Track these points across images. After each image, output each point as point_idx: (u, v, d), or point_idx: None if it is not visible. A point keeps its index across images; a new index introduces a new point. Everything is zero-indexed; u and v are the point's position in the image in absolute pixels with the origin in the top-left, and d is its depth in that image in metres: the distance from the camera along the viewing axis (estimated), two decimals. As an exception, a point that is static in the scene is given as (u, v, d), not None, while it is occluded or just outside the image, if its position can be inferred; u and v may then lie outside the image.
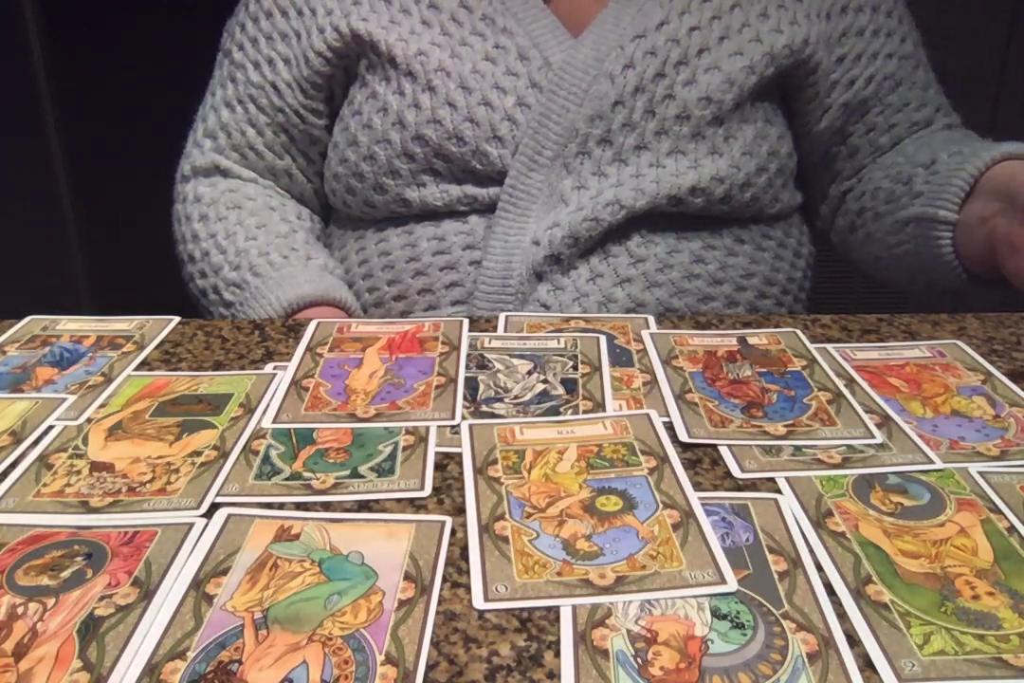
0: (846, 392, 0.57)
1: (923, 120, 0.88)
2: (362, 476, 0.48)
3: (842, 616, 0.39)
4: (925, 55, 0.90)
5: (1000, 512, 0.45)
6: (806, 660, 0.36)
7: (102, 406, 0.55)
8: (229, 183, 0.89)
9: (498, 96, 0.77)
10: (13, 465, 0.49)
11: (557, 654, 0.37)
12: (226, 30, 0.91)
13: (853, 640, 0.37)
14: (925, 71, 0.89)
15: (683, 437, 0.52)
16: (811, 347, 0.63)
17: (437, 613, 0.39)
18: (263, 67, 0.86)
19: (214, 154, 0.89)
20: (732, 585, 0.40)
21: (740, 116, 0.80)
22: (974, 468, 0.49)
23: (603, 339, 0.63)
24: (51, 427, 0.53)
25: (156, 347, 0.63)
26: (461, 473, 0.48)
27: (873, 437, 0.52)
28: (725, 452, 0.50)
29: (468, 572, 0.41)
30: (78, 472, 0.48)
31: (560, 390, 0.57)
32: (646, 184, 0.77)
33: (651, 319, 0.67)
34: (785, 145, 0.85)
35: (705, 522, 0.44)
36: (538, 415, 0.54)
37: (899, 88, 0.86)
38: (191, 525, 0.44)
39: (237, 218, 0.85)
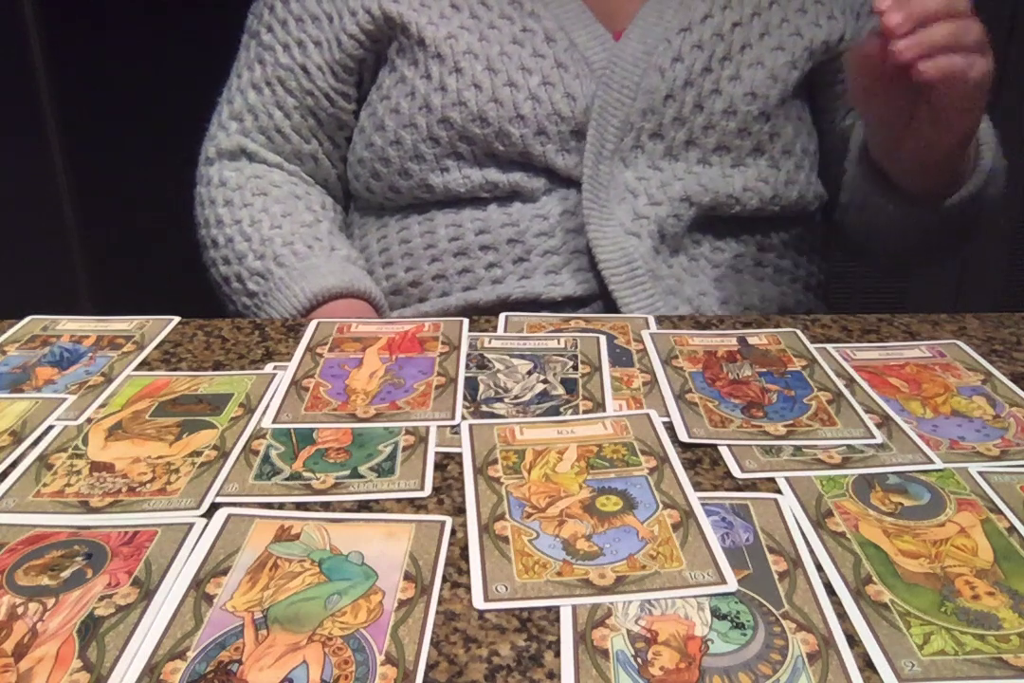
0: (846, 392, 0.57)
1: None
2: (362, 476, 0.48)
3: (842, 616, 0.39)
4: None
5: (1000, 512, 0.45)
6: (806, 660, 0.36)
7: (102, 406, 0.55)
8: (255, 168, 0.88)
9: (523, 77, 0.78)
10: (13, 465, 0.49)
11: (557, 654, 0.37)
12: (251, 12, 0.90)
13: (853, 640, 0.37)
14: None
15: (683, 437, 0.52)
16: (811, 347, 0.63)
17: (437, 613, 0.39)
18: (293, 49, 0.85)
19: (240, 137, 0.88)
20: (732, 585, 0.40)
21: (784, 113, 0.81)
22: (974, 468, 0.49)
23: (603, 339, 0.63)
24: (51, 427, 0.53)
25: (156, 347, 0.63)
26: (461, 473, 0.48)
27: (873, 437, 0.52)
28: (725, 452, 0.50)
29: (468, 572, 0.41)
30: (78, 472, 0.48)
31: (560, 390, 0.57)
32: (705, 180, 0.79)
33: (651, 319, 0.67)
34: (814, 142, 0.86)
35: (705, 522, 0.44)
36: (538, 415, 0.54)
37: None
38: (191, 525, 0.44)
39: (263, 205, 0.84)
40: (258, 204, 0.84)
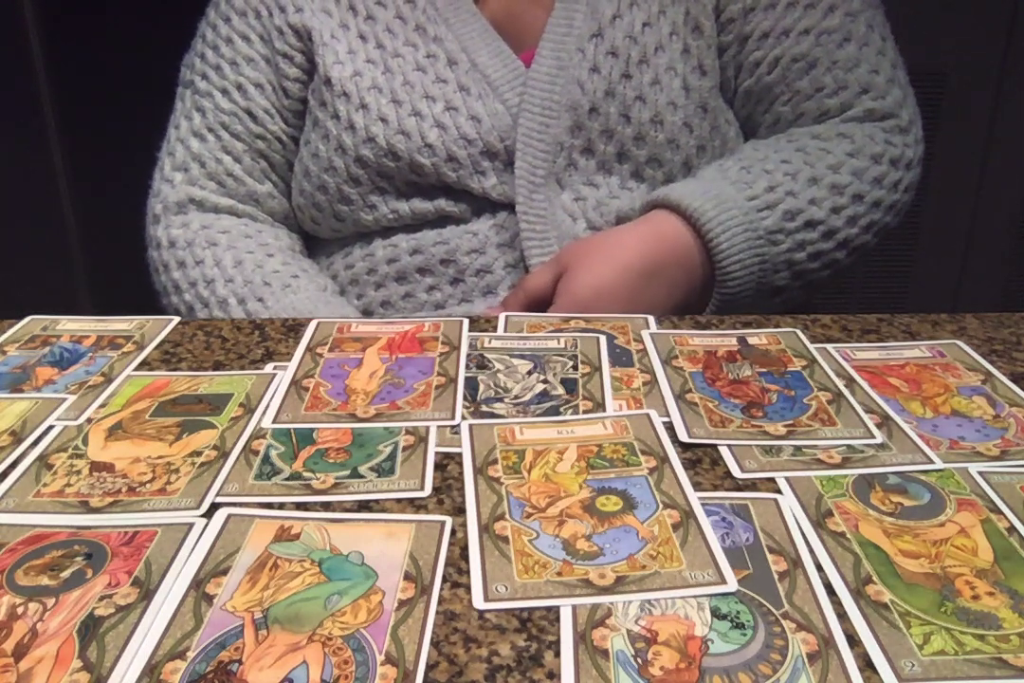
0: (846, 392, 0.57)
1: (837, 106, 0.80)
2: (362, 476, 0.48)
3: (842, 616, 0.39)
4: (869, 25, 0.80)
5: (1000, 512, 0.45)
6: (806, 660, 0.36)
7: (102, 406, 0.55)
8: (203, 218, 0.86)
9: (427, 105, 0.78)
10: (13, 465, 0.49)
11: (557, 654, 0.37)
12: (184, 64, 0.90)
13: (853, 640, 0.37)
14: (859, 46, 0.79)
15: (683, 437, 0.52)
16: (811, 347, 0.63)
17: (437, 613, 0.39)
18: (233, 94, 0.85)
19: (186, 186, 0.87)
20: (732, 585, 0.40)
21: (710, 123, 0.79)
22: (974, 468, 0.49)
23: (603, 339, 0.63)
24: (51, 427, 0.53)
25: (156, 347, 0.63)
26: (461, 473, 0.48)
27: (873, 437, 0.52)
28: (725, 452, 0.50)
29: (468, 572, 0.41)
30: (78, 472, 0.48)
31: (560, 390, 0.57)
32: (640, 200, 0.77)
33: (651, 319, 0.67)
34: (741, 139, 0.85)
35: (705, 522, 0.44)
36: (538, 415, 0.54)
37: (812, 71, 0.79)
38: (191, 525, 0.44)
39: (213, 258, 0.83)
40: (208, 259, 0.83)
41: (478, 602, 0.39)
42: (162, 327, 0.66)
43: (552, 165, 0.78)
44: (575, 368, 0.59)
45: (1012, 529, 0.44)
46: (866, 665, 0.36)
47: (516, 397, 0.56)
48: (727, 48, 0.80)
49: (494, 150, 0.78)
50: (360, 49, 0.80)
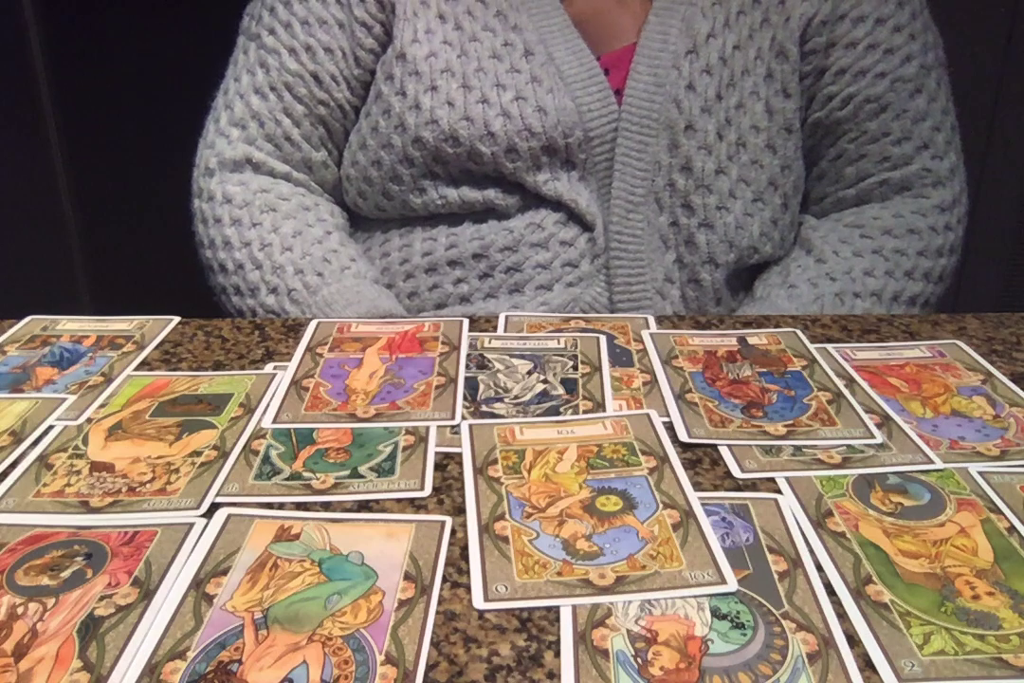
0: (846, 392, 0.57)
1: (899, 157, 0.82)
2: (362, 476, 0.48)
3: (842, 616, 0.39)
4: (938, 82, 0.83)
5: (1000, 512, 0.45)
6: (806, 660, 0.36)
7: (102, 406, 0.55)
8: (260, 181, 0.84)
9: (497, 93, 0.77)
10: (13, 465, 0.49)
11: (557, 654, 0.37)
12: (248, 13, 0.87)
13: (853, 640, 0.37)
14: (928, 100, 0.81)
15: (683, 437, 0.52)
16: (811, 347, 0.63)
17: (437, 613, 0.39)
18: (300, 54, 0.83)
19: (244, 145, 0.84)
20: (732, 585, 0.40)
21: (794, 143, 0.81)
22: (974, 468, 0.49)
23: (603, 339, 0.63)
24: (51, 427, 0.53)
25: (156, 347, 0.63)
26: (461, 473, 0.48)
27: (873, 437, 0.52)
28: (725, 452, 0.50)
29: (468, 572, 0.41)
30: (78, 472, 0.48)
31: (560, 390, 0.57)
32: (732, 233, 0.79)
33: (651, 319, 0.67)
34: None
35: (705, 522, 0.44)
36: (538, 415, 0.54)
37: (882, 114, 0.80)
38: (191, 525, 0.44)
39: (272, 224, 0.81)
40: (267, 223, 0.81)
41: (478, 602, 0.39)
42: (162, 327, 0.66)
43: (651, 184, 0.78)
44: (575, 368, 0.59)
45: (1012, 529, 0.44)
46: (866, 665, 0.36)
47: (516, 397, 0.56)
48: (804, 78, 0.81)
49: (555, 146, 0.78)
50: (438, 29, 0.79)
